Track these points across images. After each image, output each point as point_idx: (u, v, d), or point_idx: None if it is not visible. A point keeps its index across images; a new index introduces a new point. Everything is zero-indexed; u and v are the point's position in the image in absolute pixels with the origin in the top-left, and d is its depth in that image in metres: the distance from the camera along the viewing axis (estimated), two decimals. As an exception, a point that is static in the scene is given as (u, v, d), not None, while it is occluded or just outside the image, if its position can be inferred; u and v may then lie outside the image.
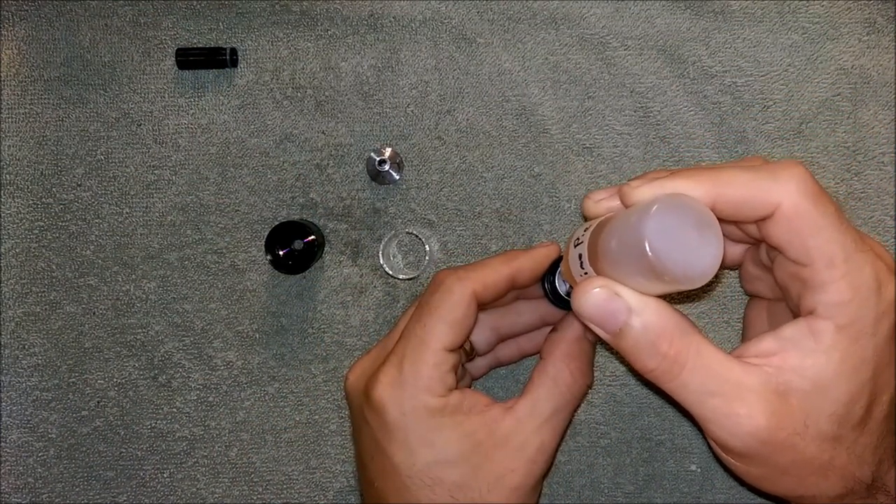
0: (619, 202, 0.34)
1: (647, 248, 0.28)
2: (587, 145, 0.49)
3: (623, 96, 0.49)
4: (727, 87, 0.49)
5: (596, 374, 0.48)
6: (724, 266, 0.39)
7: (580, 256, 0.34)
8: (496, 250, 0.49)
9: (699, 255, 0.29)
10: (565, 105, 0.49)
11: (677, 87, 0.49)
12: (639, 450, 0.49)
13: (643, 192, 0.32)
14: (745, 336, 0.41)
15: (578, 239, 0.35)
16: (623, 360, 0.49)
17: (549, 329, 0.44)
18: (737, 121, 0.49)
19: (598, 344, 0.46)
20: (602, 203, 0.35)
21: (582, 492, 0.49)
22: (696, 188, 0.31)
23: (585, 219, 0.36)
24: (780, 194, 0.31)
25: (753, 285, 0.39)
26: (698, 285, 0.30)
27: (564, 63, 0.49)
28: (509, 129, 0.49)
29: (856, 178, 0.48)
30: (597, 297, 0.32)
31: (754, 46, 0.49)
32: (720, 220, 0.31)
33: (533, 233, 0.49)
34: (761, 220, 0.32)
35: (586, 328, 0.34)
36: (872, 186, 0.48)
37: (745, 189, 0.31)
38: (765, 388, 0.31)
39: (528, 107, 0.49)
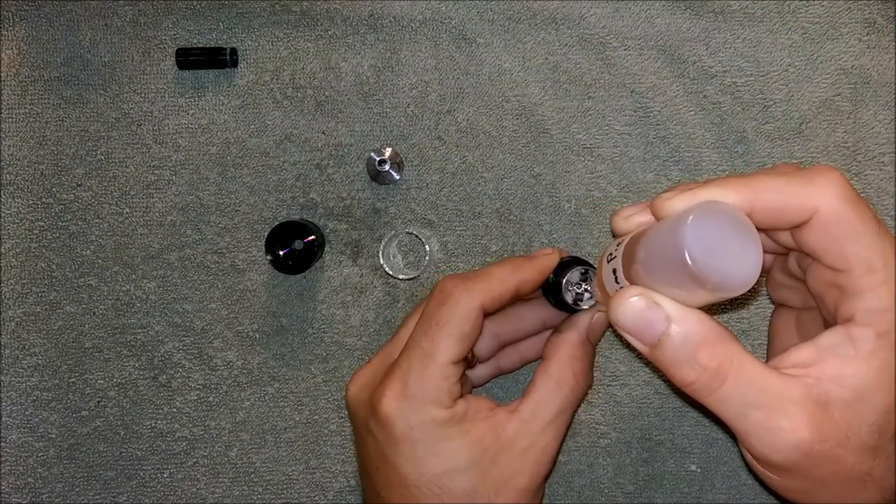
0: (648, 217, 0.33)
1: (688, 257, 0.28)
2: (587, 145, 0.49)
3: (623, 96, 0.49)
4: (727, 87, 0.49)
5: (596, 374, 0.48)
6: None
7: (614, 271, 0.33)
8: (496, 250, 0.49)
9: (740, 261, 0.29)
10: (565, 105, 0.49)
11: (677, 87, 0.49)
12: (639, 450, 0.49)
13: (676, 203, 0.31)
14: (771, 346, 0.40)
15: (611, 254, 0.34)
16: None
17: (548, 332, 0.44)
18: (737, 121, 0.49)
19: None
20: (632, 219, 0.34)
21: (582, 492, 0.49)
22: (731, 196, 0.31)
23: (615, 236, 0.35)
24: (818, 199, 0.30)
25: (781, 294, 0.39)
26: (740, 292, 0.29)
27: (564, 63, 0.49)
28: (509, 129, 0.49)
29: (856, 178, 0.48)
30: (634, 306, 0.31)
31: (754, 46, 0.49)
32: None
33: (533, 233, 0.49)
34: (796, 227, 0.32)
35: (624, 342, 0.33)
36: (872, 186, 0.48)
37: (782, 195, 0.31)
38: (807, 400, 0.30)
39: (528, 107, 0.49)
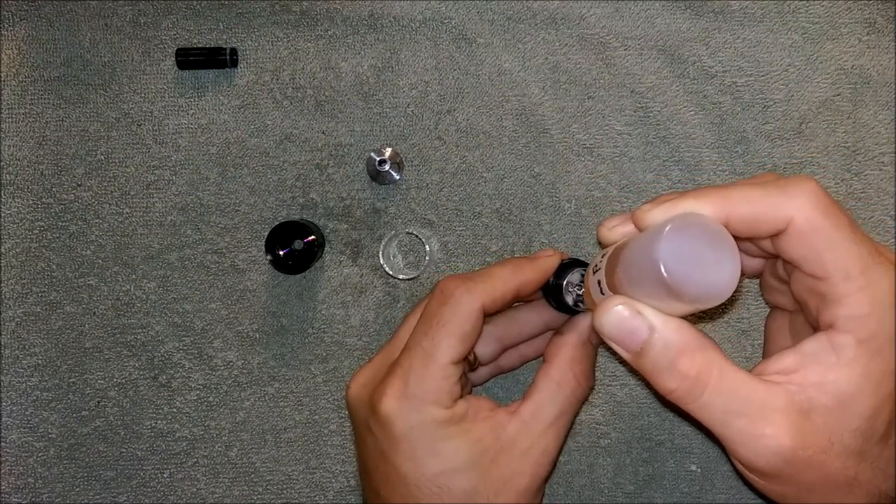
0: (632, 227, 0.34)
1: (663, 270, 0.28)
2: (587, 145, 0.49)
3: (623, 96, 0.49)
4: (727, 87, 0.49)
5: (596, 374, 0.48)
6: (745, 276, 0.39)
7: (599, 283, 0.34)
8: (496, 250, 0.49)
9: (716, 272, 0.29)
10: (565, 105, 0.49)
11: (677, 87, 0.49)
12: (639, 450, 0.49)
13: (655, 214, 0.32)
14: (766, 348, 0.41)
15: (596, 265, 0.35)
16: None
17: (549, 333, 0.44)
18: (737, 121, 0.49)
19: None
20: (616, 229, 0.35)
21: (582, 492, 0.49)
22: (707, 207, 0.31)
23: (602, 246, 0.36)
24: (792, 209, 0.31)
25: (774, 297, 0.39)
26: (717, 303, 0.30)
27: (564, 63, 0.49)
28: (509, 129, 0.49)
29: (856, 178, 0.48)
30: (618, 314, 0.31)
31: (754, 46, 0.49)
32: (734, 238, 0.31)
33: (533, 233, 0.49)
34: (775, 236, 0.32)
35: (602, 343, 0.34)
36: (872, 186, 0.48)
37: (757, 205, 0.31)
38: (789, 407, 0.31)
39: (528, 107, 0.49)
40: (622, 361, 0.34)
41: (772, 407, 0.31)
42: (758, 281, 0.42)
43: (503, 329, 0.44)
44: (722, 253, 0.30)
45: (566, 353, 0.41)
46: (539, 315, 0.44)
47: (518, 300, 0.41)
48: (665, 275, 0.28)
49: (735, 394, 0.31)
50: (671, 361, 0.31)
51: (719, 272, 0.29)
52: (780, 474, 0.31)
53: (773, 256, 0.36)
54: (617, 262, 0.32)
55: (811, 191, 0.31)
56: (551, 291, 0.42)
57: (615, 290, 0.33)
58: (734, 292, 0.30)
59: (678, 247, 0.29)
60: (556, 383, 0.40)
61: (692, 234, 0.30)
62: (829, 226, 0.31)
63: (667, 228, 0.29)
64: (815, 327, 0.33)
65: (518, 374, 0.49)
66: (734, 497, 0.48)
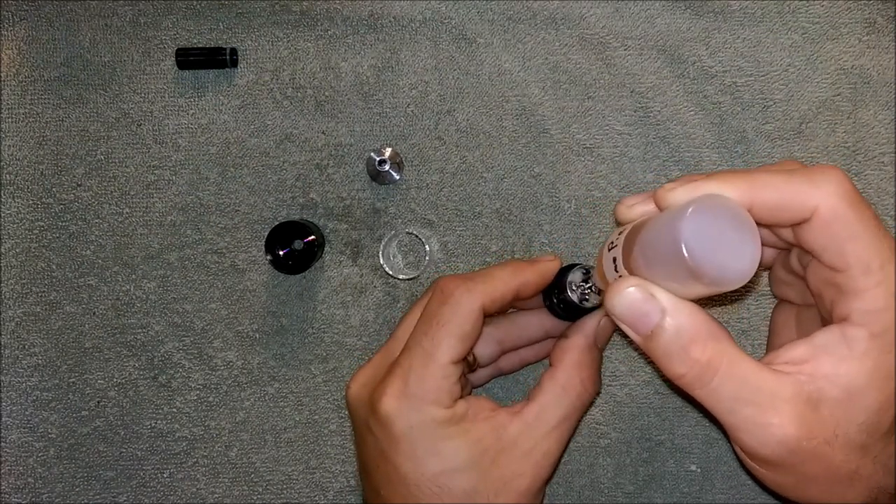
0: (651, 206, 0.34)
1: (684, 250, 0.28)
2: (587, 145, 0.49)
3: (623, 96, 0.49)
4: (727, 87, 0.49)
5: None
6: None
7: (614, 260, 0.34)
8: (496, 250, 0.49)
9: (737, 255, 0.29)
10: (565, 105, 0.49)
11: (677, 87, 0.49)
12: (639, 450, 0.49)
13: (678, 194, 0.32)
14: (771, 341, 0.41)
15: (612, 243, 0.34)
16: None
17: (550, 339, 0.44)
18: (737, 121, 0.49)
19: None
20: (635, 208, 0.34)
21: (582, 492, 0.49)
22: (732, 190, 0.31)
23: (619, 224, 0.36)
24: (818, 198, 0.31)
25: (782, 290, 0.39)
26: (736, 286, 0.29)
27: (564, 63, 0.49)
28: (509, 129, 0.49)
29: (856, 178, 0.48)
30: (631, 296, 0.31)
31: (754, 46, 0.49)
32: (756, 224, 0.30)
33: (533, 233, 0.49)
34: (797, 225, 0.32)
35: (618, 330, 0.34)
36: (872, 186, 0.48)
37: (782, 192, 0.31)
38: (797, 397, 0.30)
39: (528, 107, 0.49)
40: (629, 340, 0.34)
41: (780, 396, 0.30)
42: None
43: (503, 331, 0.44)
44: (744, 236, 0.29)
45: (572, 357, 0.40)
46: (539, 319, 0.44)
47: (517, 301, 0.41)
48: (686, 255, 0.28)
49: (744, 382, 0.31)
50: (682, 347, 0.31)
51: (740, 255, 0.29)
52: (783, 463, 0.31)
53: (788, 247, 0.36)
54: (634, 241, 0.32)
55: (838, 181, 0.31)
56: (553, 294, 0.42)
57: (630, 269, 0.32)
58: (751, 279, 0.29)
59: (701, 227, 0.29)
60: (561, 387, 0.40)
61: (715, 216, 0.29)
62: (854, 217, 0.31)
63: (690, 208, 0.29)
64: (828, 320, 0.33)
65: (518, 375, 0.49)
66: (734, 497, 0.48)
